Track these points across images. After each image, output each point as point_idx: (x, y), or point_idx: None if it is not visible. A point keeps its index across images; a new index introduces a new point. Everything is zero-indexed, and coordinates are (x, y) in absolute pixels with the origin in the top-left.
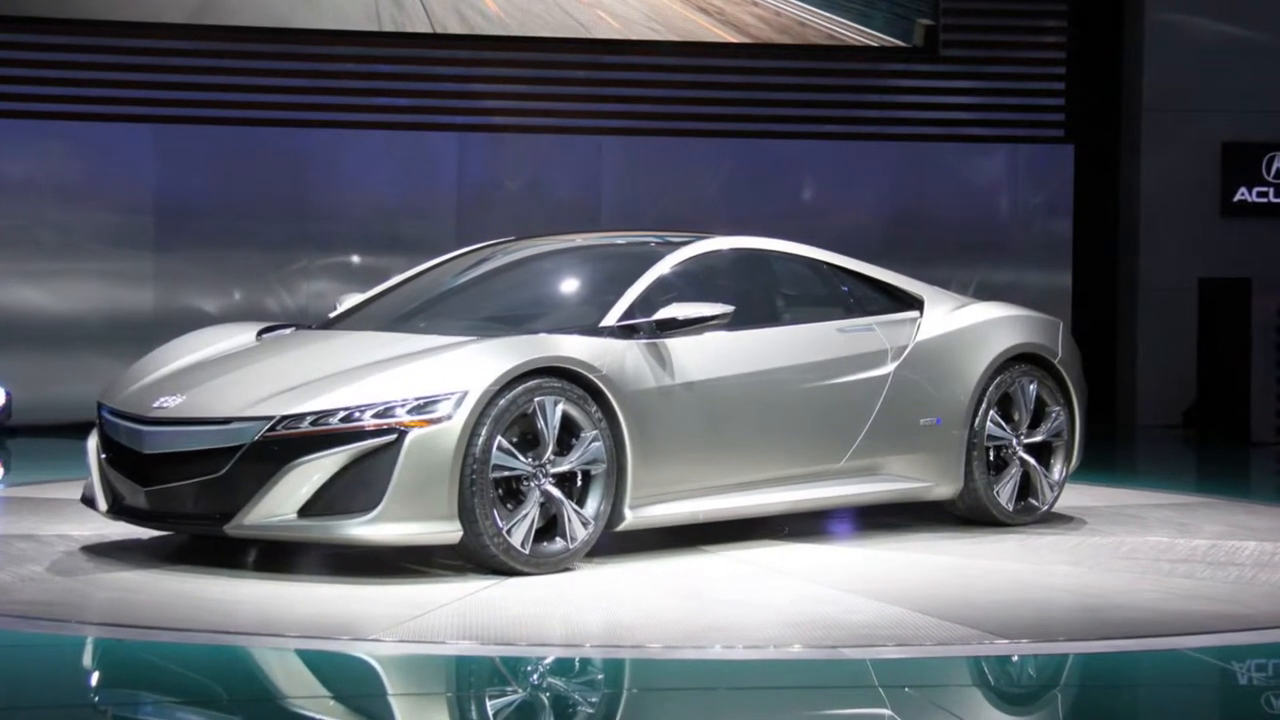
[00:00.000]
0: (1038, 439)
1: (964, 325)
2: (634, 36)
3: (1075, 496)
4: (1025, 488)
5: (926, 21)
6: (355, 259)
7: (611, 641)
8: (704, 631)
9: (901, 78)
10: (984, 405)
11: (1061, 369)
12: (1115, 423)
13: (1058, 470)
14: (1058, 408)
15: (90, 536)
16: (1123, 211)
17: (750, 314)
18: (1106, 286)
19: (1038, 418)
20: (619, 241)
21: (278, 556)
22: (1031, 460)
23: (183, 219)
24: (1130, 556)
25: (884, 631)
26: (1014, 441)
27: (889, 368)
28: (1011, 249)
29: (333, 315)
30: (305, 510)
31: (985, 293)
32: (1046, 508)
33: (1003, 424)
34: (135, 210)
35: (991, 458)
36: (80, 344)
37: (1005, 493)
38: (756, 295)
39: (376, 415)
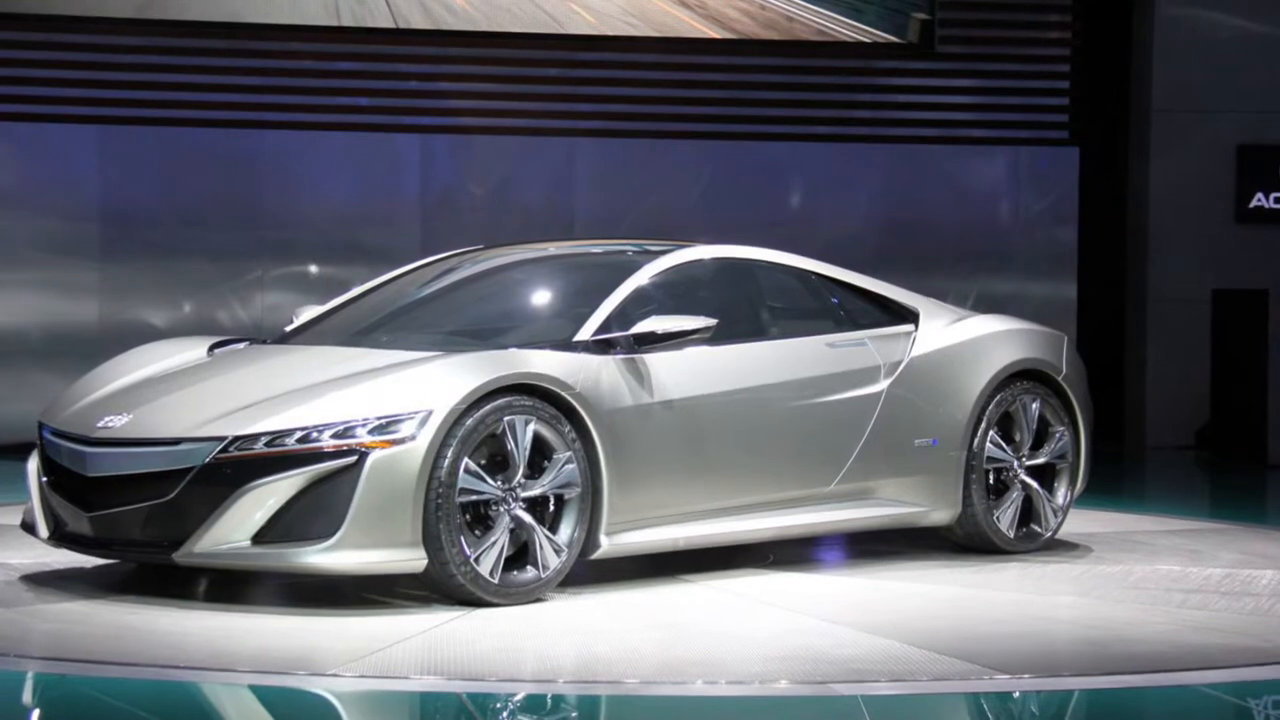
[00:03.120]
0: (1040, 461)
1: (962, 339)
2: (610, 32)
3: (1081, 522)
4: (1027, 513)
5: (922, 16)
6: (313, 269)
7: (586, 677)
8: (684, 665)
9: (896, 75)
10: (983, 425)
11: (1066, 386)
12: (1123, 443)
13: (1062, 494)
14: (1062, 427)
15: (30, 565)
16: (1131, 218)
17: (734, 328)
18: (1114, 298)
19: (1040, 438)
20: (594, 251)
21: (230, 586)
22: (1034, 483)
23: (129, 226)
24: (1139, 586)
25: (876, 666)
26: (1015, 463)
27: (882, 385)
28: (1013, 258)
29: (289, 329)
30: (260, 537)
31: (985, 304)
32: (1050, 534)
33: (1003, 445)
34: (78, 216)
35: (991, 481)
36: (20, 359)
37: (1006, 518)
38: (741, 308)
39: (335, 436)
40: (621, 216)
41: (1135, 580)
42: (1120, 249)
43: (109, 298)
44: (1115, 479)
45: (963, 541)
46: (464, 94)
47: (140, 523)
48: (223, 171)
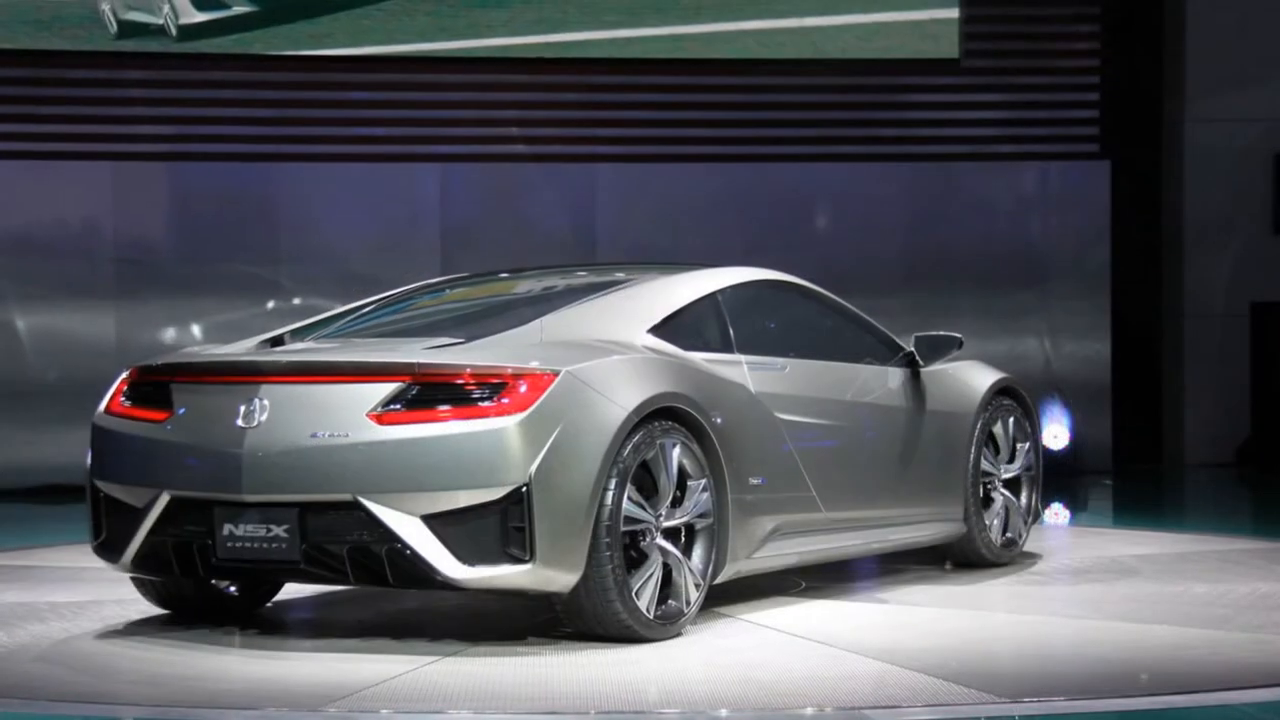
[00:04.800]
0: (1014, 473)
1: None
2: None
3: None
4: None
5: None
6: (329, 296)
7: (579, 708)
8: (679, 688)
9: (920, 92)
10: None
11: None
12: (1161, 461)
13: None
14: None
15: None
16: (1165, 231)
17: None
18: (1149, 313)
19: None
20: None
21: (218, 619)
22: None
23: (145, 263)
24: (1156, 603)
25: (869, 689)
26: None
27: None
28: (1043, 274)
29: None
30: None
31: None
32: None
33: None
34: (94, 255)
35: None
36: (37, 401)
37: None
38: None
39: None
40: (643, 240)
41: (1153, 599)
42: (1155, 263)
43: (125, 335)
44: (1151, 496)
45: (957, 556)
46: (482, 121)
47: None
48: (240, 205)
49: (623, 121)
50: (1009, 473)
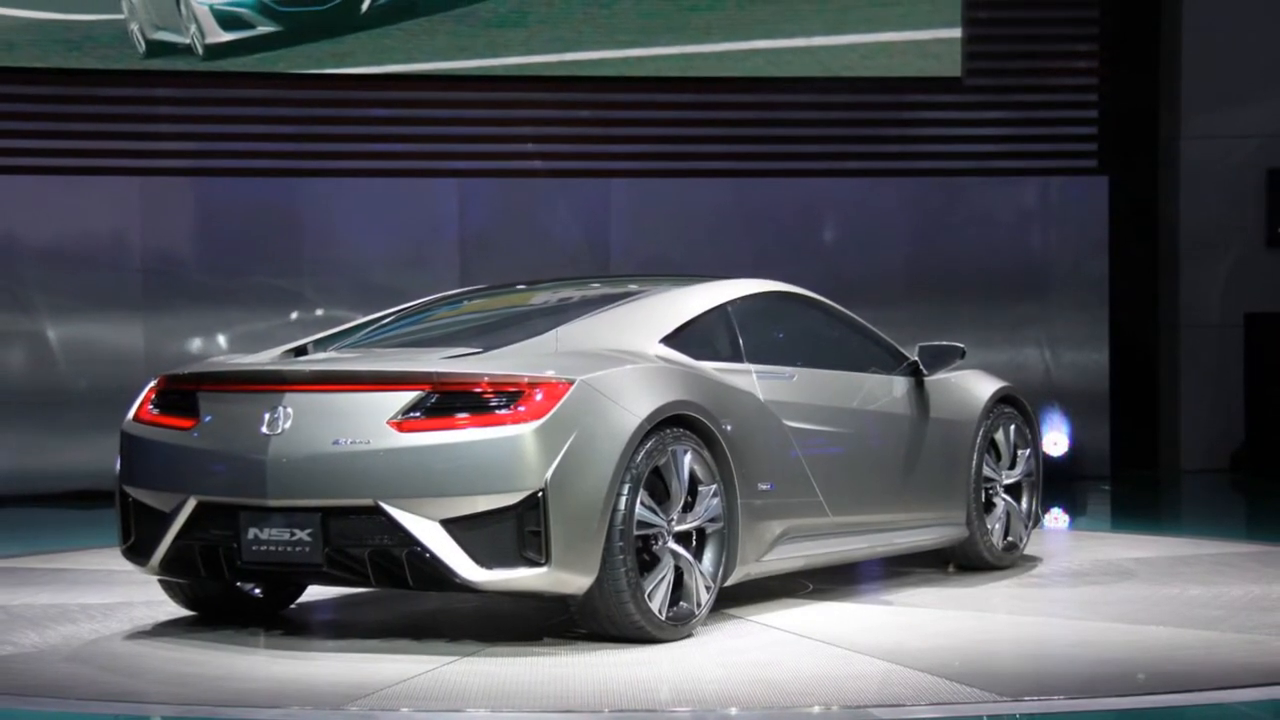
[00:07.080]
0: (1015, 479)
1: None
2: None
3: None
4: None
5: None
6: (351, 307)
7: (594, 706)
8: (691, 687)
9: (924, 109)
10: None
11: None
12: (1158, 468)
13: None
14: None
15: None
16: (1162, 244)
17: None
18: (1146, 324)
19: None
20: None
21: (232, 619)
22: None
23: (171, 276)
24: (1153, 605)
25: (873, 687)
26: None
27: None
28: (1044, 286)
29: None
30: None
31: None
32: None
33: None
34: (121, 267)
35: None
36: (66, 410)
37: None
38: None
39: None
40: (655, 253)
41: (1155, 600)
42: (1152, 276)
43: (153, 345)
44: (1150, 502)
45: (959, 559)
46: (499, 137)
47: None
48: (264, 219)
49: (636, 138)
50: (1010, 478)
